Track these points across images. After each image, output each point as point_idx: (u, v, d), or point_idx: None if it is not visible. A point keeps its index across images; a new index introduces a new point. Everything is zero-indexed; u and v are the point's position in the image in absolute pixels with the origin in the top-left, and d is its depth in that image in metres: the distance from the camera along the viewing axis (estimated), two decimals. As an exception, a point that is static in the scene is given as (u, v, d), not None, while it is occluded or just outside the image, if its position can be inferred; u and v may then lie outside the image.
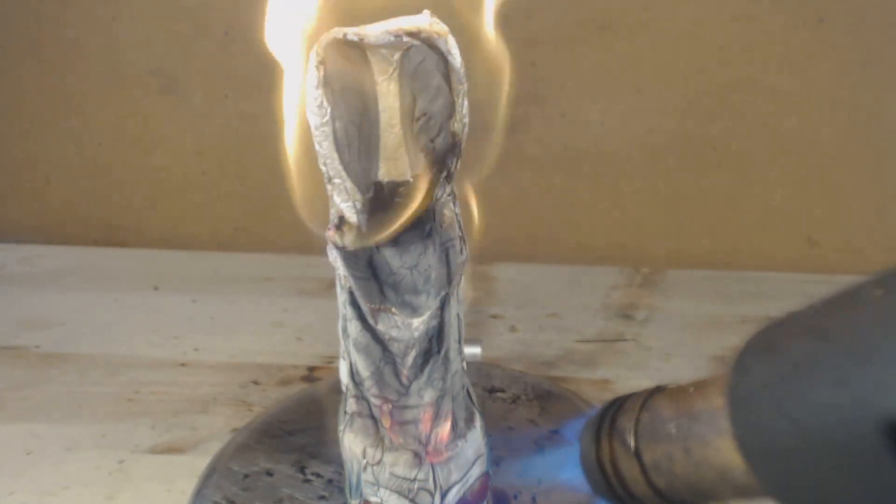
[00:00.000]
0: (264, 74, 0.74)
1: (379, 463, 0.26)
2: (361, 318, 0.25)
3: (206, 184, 0.70)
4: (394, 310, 0.25)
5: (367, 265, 0.24)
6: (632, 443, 0.22)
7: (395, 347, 0.25)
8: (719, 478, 0.20)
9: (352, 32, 0.22)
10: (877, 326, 0.15)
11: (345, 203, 0.24)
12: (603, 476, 0.23)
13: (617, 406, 0.24)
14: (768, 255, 0.66)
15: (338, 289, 0.26)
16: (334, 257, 0.25)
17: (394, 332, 0.25)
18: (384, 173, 0.24)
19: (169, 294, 0.61)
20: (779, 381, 0.17)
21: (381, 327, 0.25)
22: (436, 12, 0.23)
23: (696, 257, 0.65)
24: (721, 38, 0.62)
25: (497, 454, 0.33)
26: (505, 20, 0.69)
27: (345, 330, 0.26)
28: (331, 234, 0.24)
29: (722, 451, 0.19)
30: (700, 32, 0.62)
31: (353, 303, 0.25)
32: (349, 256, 0.24)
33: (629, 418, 0.23)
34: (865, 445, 0.15)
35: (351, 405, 0.27)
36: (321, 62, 0.22)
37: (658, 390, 0.23)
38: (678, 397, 0.22)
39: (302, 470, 0.33)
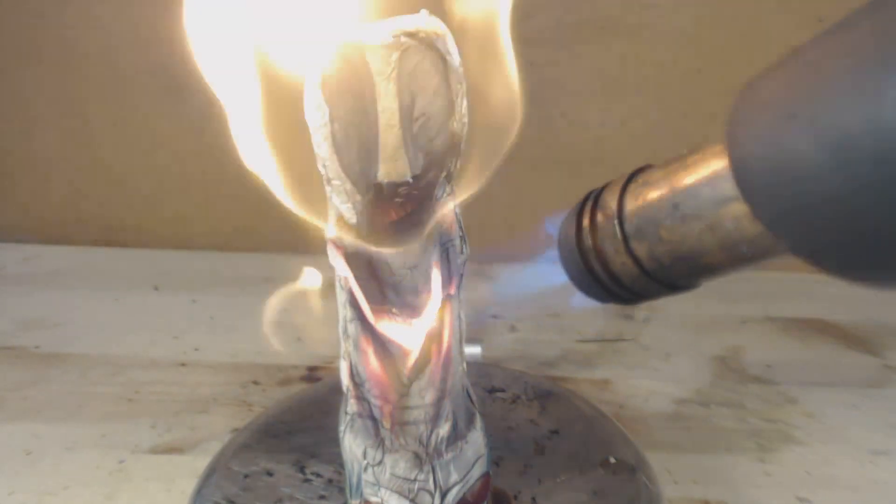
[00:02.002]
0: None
1: (379, 463, 0.26)
2: (362, 318, 0.25)
3: (206, 184, 0.70)
4: (395, 311, 0.25)
5: (367, 266, 0.24)
6: (614, 208, 0.21)
7: (396, 349, 0.25)
8: (707, 231, 0.18)
9: (350, 33, 0.22)
10: None
11: (344, 204, 0.24)
12: (581, 254, 0.22)
13: (602, 187, 0.23)
14: (768, 255, 0.66)
15: (337, 289, 0.26)
16: (334, 258, 0.25)
17: (395, 334, 0.25)
18: (383, 174, 0.24)
19: (169, 294, 0.61)
20: (788, 85, 0.15)
21: (381, 328, 0.25)
22: (434, 12, 0.23)
23: (696, 257, 0.65)
24: (721, 38, 0.62)
25: (497, 454, 0.33)
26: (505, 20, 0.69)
27: (345, 330, 0.26)
28: (330, 235, 0.24)
29: (714, 193, 0.18)
30: (700, 32, 0.62)
31: (354, 303, 0.25)
32: (349, 257, 0.24)
33: (614, 191, 0.21)
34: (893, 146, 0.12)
35: (351, 406, 0.27)
36: (319, 64, 0.22)
37: (648, 165, 0.21)
38: (670, 160, 0.20)
39: (302, 470, 0.33)
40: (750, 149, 0.16)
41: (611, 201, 0.21)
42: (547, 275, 0.25)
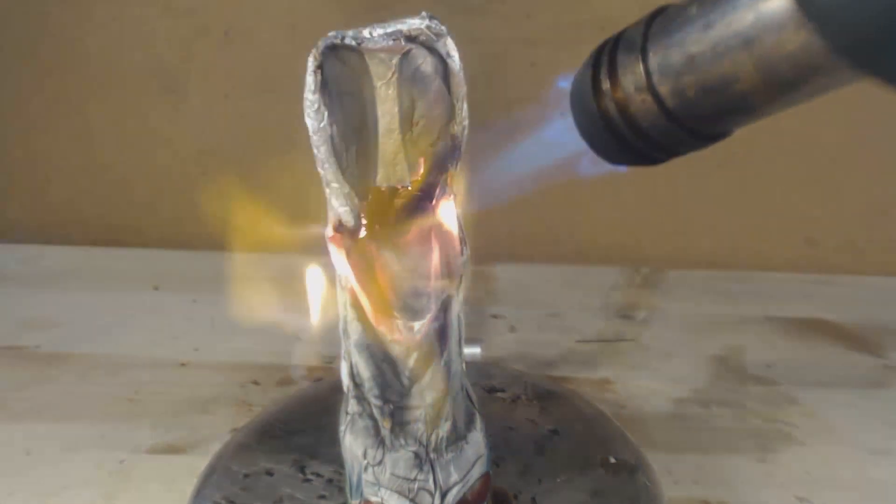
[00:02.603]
0: (264, 74, 0.75)
1: (380, 463, 0.26)
2: (363, 319, 0.25)
3: (206, 184, 0.70)
4: (395, 313, 0.25)
5: (367, 267, 0.24)
6: (639, 42, 0.18)
7: (396, 350, 0.25)
8: (744, 47, 0.16)
9: (349, 36, 0.22)
10: None
11: (342, 207, 0.24)
12: (596, 100, 0.20)
13: (625, 28, 0.20)
14: (768, 255, 0.66)
15: (338, 290, 0.26)
16: (336, 258, 0.25)
17: (395, 335, 0.25)
18: (382, 178, 0.24)
19: (169, 294, 0.61)
20: None
21: (382, 329, 0.25)
22: (435, 12, 0.23)
23: (696, 257, 0.65)
24: (721, 38, 0.62)
25: (497, 454, 0.33)
26: (505, 20, 0.69)
27: (345, 331, 0.26)
28: (330, 237, 0.24)
29: (754, 2, 0.16)
30: (700, 32, 0.62)
31: (355, 304, 0.25)
32: (350, 258, 0.24)
33: (639, 26, 0.19)
34: None
35: (352, 406, 0.27)
36: (318, 66, 0.22)
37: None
38: None
39: (302, 470, 0.33)
40: None
41: (634, 36, 0.19)
42: (562, 140, 0.22)
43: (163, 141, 0.69)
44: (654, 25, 0.19)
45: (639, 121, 0.19)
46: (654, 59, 0.18)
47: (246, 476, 0.33)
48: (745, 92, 0.17)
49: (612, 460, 0.34)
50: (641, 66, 0.18)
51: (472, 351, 0.47)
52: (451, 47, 0.23)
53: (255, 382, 0.48)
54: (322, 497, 0.32)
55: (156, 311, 0.58)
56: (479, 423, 0.28)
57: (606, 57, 0.19)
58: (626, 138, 0.19)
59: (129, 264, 0.67)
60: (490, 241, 0.68)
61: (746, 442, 0.41)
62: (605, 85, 0.19)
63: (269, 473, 0.33)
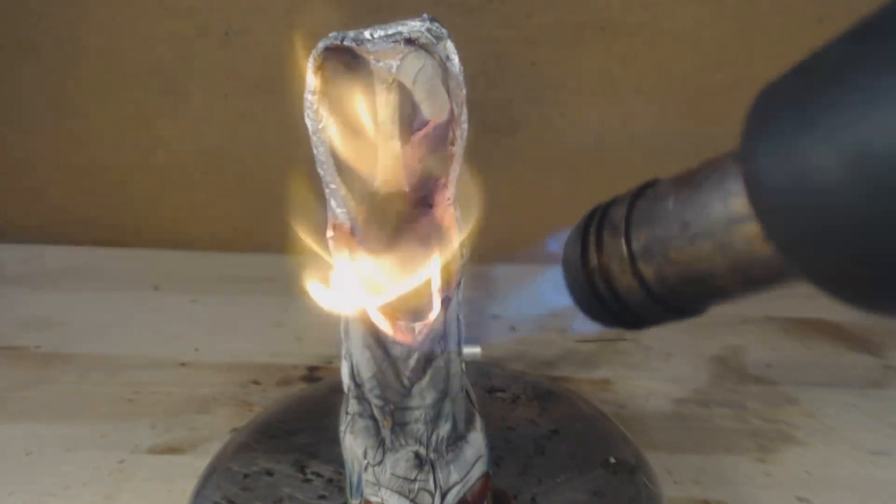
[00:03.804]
0: (264, 74, 0.74)
1: (380, 463, 0.26)
2: (364, 319, 0.25)
3: (206, 184, 0.70)
4: (396, 313, 0.25)
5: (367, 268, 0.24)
6: (622, 228, 0.20)
7: (397, 351, 0.25)
8: (718, 251, 0.17)
9: (350, 37, 0.22)
10: None
11: (340, 209, 0.24)
12: (586, 275, 0.21)
13: (609, 202, 0.21)
14: (768, 255, 0.66)
15: (339, 289, 0.26)
16: (337, 257, 0.25)
17: (396, 336, 0.25)
18: (381, 183, 0.24)
19: (169, 294, 0.61)
20: (808, 92, 0.13)
21: (383, 329, 0.25)
22: (435, 12, 0.23)
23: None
24: (721, 38, 0.62)
25: (497, 454, 0.33)
26: (505, 20, 0.69)
27: (346, 331, 0.26)
28: (330, 238, 0.24)
29: (725, 213, 0.16)
30: (700, 32, 0.62)
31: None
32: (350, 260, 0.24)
33: (621, 207, 0.20)
34: None
35: (352, 406, 0.27)
36: (318, 68, 0.22)
37: (656, 180, 0.20)
38: (680, 175, 0.19)
39: (302, 470, 0.33)
40: (763, 162, 0.15)
41: (618, 218, 0.20)
42: (552, 295, 0.24)
43: (163, 141, 0.69)
44: (635, 211, 0.20)
45: (627, 299, 0.20)
46: (637, 245, 0.19)
47: (246, 476, 0.33)
48: (724, 287, 0.18)
49: (612, 460, 0.34)
50: (626, 251, 0.19)
51: (472, 351, 0.47)
52: (450, 50, 0.23)
53: (255, 382, 0.48)
54: (322, 497, 0.32)
55: (156, 311, 0.58)
56: (479, 423, 0.28)
57: (594, 236, 0.21)
58: (613, 310, 0.21)
59: (129, 264, 0.67)
60: (490, 241, 0.68)
61: (746, 442, 0.41)
62: (594, 262, 0.21)
63: (269, 473, 0.33)
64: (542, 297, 0.25)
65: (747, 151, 0.15)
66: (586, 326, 0.23)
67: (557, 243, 0.23)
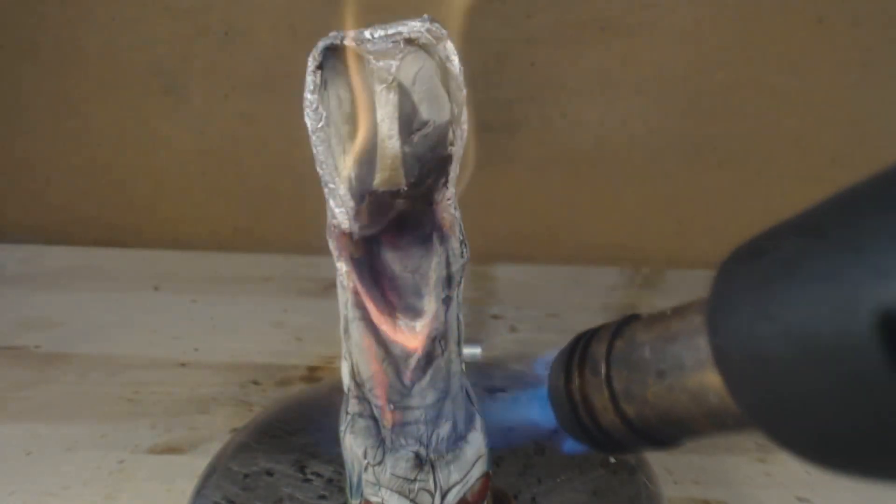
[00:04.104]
0: (264, 74, 0.74)
1: (380, 463, 0.26)
2: (366, 318, 0.25)
3: (206, 184, 0.70)
4: (398, 314, 0.25)
5: (368, 269, 0.24)
6: (603, 369, 0.21)
7: (397, 350, 0.25)
8: (693, 402, 0.18)
9: (350, 38, 0.22)
10: (875, 213, 0.14)
11: (339, 208, 0.24)
12: (571, 407, 0.22)
13: (589, 335, 0.23)
14: (768, 255, 0.66)
15: (339, 290, 0.26)
16: (339, 257, 0.25)
17: (397, 335, 0.25)
18: (380, 182, 0.24)
19: (169, 294, 0.61)
20: (764, 283, 0.15)
21: (385, 329, 0.25)
22: (436, 14, 0.23)
23: (696, 257, 0.65)
24: (721, 38, 0.62)
25: (497, 454, 0.33)
26: (505, 20, 0.69)
27: (346, 331, 0.26)
28: (330, 238, 0.24)
29: (698, 370, 0.18)
30: (700, 32, 0.62)
31: (357, 304, 0.25)
32: (352, 259, 0.24)
33: (601, 345, 0.22)
34: (857, 343, 0.13)
35: (353, 406, 0.27)
36: (318, 66, 0.22)
37: (634, 318, 0.22)
38: (654, 321, 0.20)
39: (302, 470, 0.33)
40: (728, 340, 0.16)
41: (598, 358, 0.21)
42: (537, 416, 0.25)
43: (163, 141, 0.69)
44: (614, 352, 0.21)
45: (611, 433, 0.21)
46: (618, 385, 0.21)
47: (246, 476, 0.33)
48: (701, 430, 0.19)
49: (612, 460, 0.34)
50: (607, 392, 0.21)
51: (472, 351, 0.47)
52: (450, 51, 0.23)
53: (255, 382, 0.48)
54: (322, 497, 0.32)
55: (156, 311, 0.58)
56: (478, 424, 0.28)
57: (577, 371, 0.22)
58: (597, 439, 0.22)
59: (129, 264, 0.67)
60: (490, 241, 0.68)
61: (746, 442, 0.41)
62: (577, 396, 0.22)
63: (269, 473, 0.33)
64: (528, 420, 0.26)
65: (714, 324, 0.17)
66: (574, 447, 0.24)
67: (543, 367, 0.25)
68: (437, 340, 0.25)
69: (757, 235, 0.17)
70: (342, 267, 0.25)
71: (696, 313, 0.19)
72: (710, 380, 0.18)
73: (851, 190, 0.15)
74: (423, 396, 0.26)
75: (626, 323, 0.21)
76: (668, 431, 0.20)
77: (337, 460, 0.29)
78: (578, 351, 0.23)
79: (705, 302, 0.18)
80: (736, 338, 0.16)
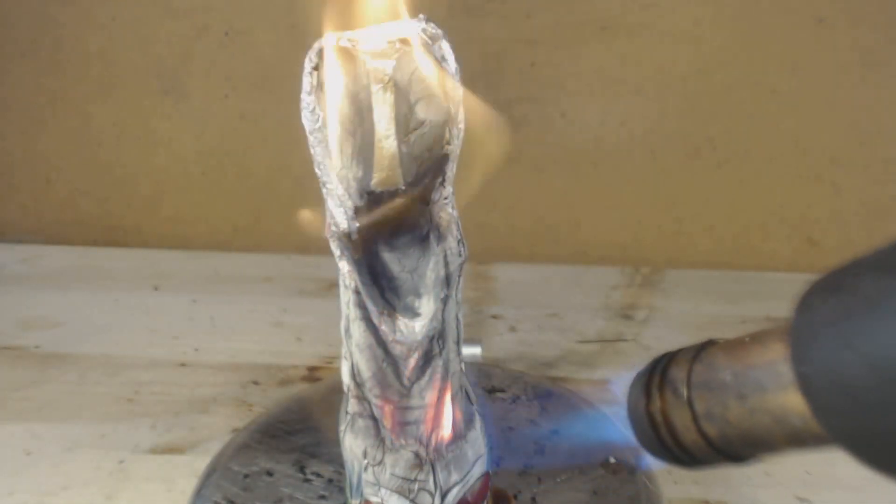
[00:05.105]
0: (264, 74, 0.74)
1: (380, 463, 0.26)
2: (366, 318, 0.25)
3: (206, 184, 0.70)
4: (397, 314, 0.25)
5: (368, 271, 0.24)
6: (684, 392, 0.22)
7: (397, 350, 0.25)
8: (775, 424, 0.19)
9: (346, 38, 0.22)
10: None
11: (337, 208, 0.24)
12: (652, 427, 0.23)
13: (668, 359, 0.24)
14: (768, 255, 0.66)
15: (340, 289, 0.26)
16: (340, 257, 0.25)
17: (397, 336, 0.25)
18: (377, 182, 0.24)
19: (169, 294, 0.61)
20: (846, 317, 0.17)
21: (384, 329, 0.25)
22: (432, 15, 0.23)
23: (696, 257, 0.65)
24: (721, 38, 0.62)
25: (497, 454, 0.33)
26: (505, 20, 0.69)
27: (347, 331, 0.26)
28: (330, 238, 0.24)
29: (780, 395, 0.19)
30: (700, 32, 0.62)
31: (359, 304, 0.25)
32: (350, 262, 0.24)
33: (681, 369, 0.23)
34: None
35: (352, 406, 0.27)
36: (314, 67, 0.22)
37: (711, 343, 0.23)
38: (733, 347, 0.21)
39: (302, 470, 0.33)
40: (814, 368, 0.18)
41: (679, 381, 0.22)
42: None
43: (163, 141, 0.69)
44: (693, 375, 0.22)
45: (692, 451, 0.22)
46: (699, 407, 0.22)
47: (246, 476, 0.33)
48: (782, 449, 0.20)
49: (612, 460, 0.34)
50: (690, 414, 0.22)
51: (471, 351, 0.47)
52: (446, 51, 0.23)
53: (255, 382, 0.48)
54: (322, 497, 0.32)
55: (156, 311, 0.58)
56: (478, 424, 0.28)
57: (657, 393, 0.23)
58: (677, 456, 0.23)
59: (129, 264, 0.67)
60: (490, 241, 0.68)
61: (746, 442, 0.41)
62: (658, 418, 0.23)
63: (269, 473, 0.33)
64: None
65: (799, 355, 0.18)
66: (655, 463, 0.25)
67: (619, 386, 0.26)
68: (434, 340, 0.25)
69: (834, 270, 0.18)
70: (344, 266, 0.25)
71: (776, 341, 0.20)
72: (793, 404, 0.18)
73: None
74: (422, 396, 0.26)
75: (704, 348, 0.22)
76: (748, 449, 0.21)
77: (337, 460, 0.29)
78: (657, 374, 0.24)
79: (785, 331, 0.19)
80: (821, 366, 0.17)
